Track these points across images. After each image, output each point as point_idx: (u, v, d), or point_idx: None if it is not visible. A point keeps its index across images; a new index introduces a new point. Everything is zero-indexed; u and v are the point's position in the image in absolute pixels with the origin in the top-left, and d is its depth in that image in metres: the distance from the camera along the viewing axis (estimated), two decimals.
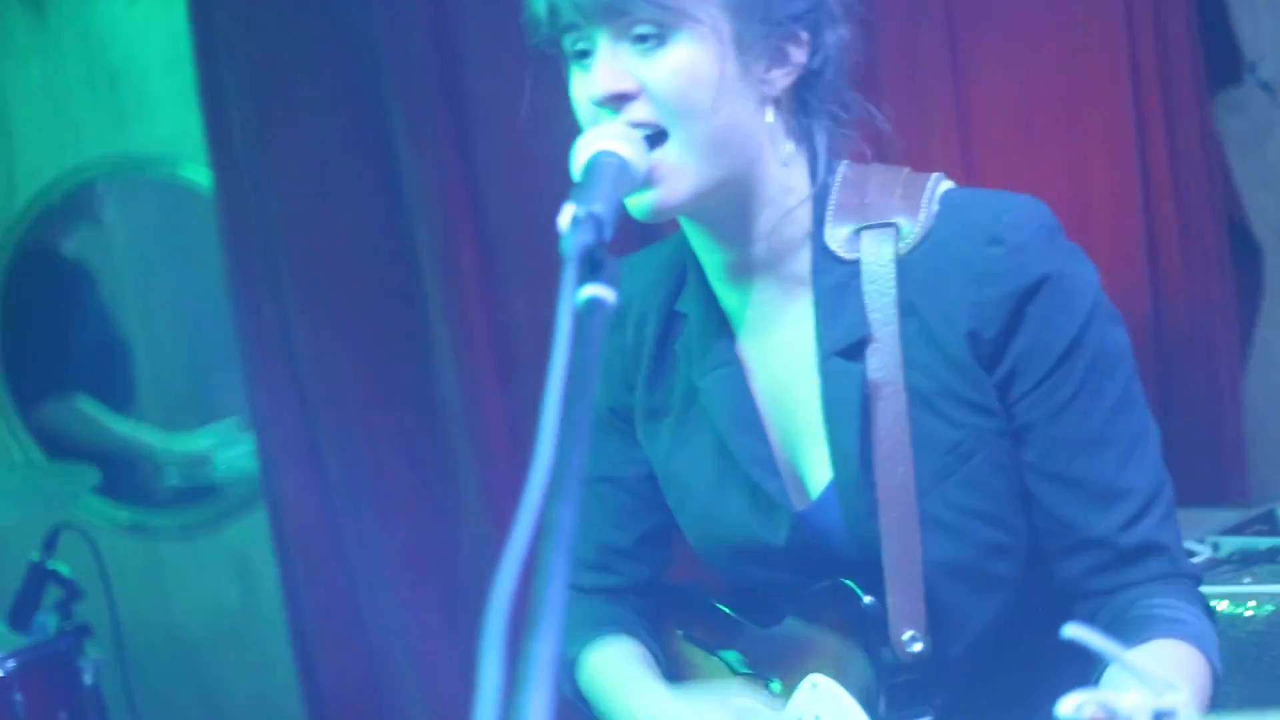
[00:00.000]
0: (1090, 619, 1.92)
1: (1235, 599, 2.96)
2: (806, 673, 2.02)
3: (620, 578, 2.30)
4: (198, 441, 4.94)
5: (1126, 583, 1.95)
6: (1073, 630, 1.54)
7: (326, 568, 4.17)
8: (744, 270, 2.04)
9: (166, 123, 4.70)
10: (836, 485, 2.00)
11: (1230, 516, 3.39)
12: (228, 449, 4.85)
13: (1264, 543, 3.18)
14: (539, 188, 3.84)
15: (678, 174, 1.90)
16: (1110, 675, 1.80)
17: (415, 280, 4.01)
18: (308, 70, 4.02)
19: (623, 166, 1.83)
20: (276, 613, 4.43)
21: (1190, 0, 3.90)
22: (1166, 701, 1.50)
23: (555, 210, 3.62)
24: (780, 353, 2.05)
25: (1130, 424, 1.96)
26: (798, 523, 2.03)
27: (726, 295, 2.08)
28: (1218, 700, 1.91)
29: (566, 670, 2.26)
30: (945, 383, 1.94)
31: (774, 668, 2.07)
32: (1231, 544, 3.21)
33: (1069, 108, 3.78)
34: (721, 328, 2.09)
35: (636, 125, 1.89)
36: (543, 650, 1.21)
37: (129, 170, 4.87)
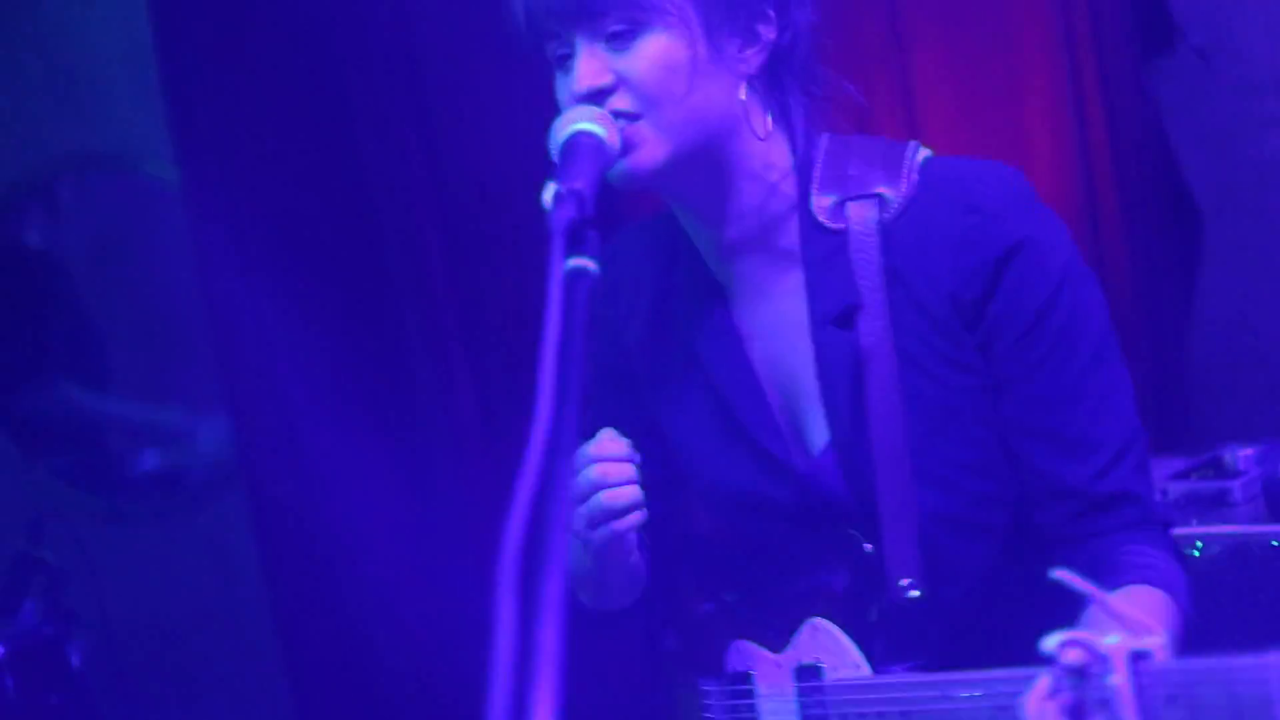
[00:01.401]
0: (1068, 564, 1.99)
1: (1182, 541, 3.09)
2: (809, 615, 2.13)
3: None
4: (177, 417, 5.02)
5: (1101, 529, 2.04)
6: (1059, 574, 1.66)
7: (307, 548, 4.24)
8: (735, 245, 2.14)
9: (127, 120, 4.74)
10: (834, 445, 2.10)
11: (1179, 463, 3.52)
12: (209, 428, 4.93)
13: (1210, 486, 3.29)
14: (502, 175, 3.97)
15: (652, 142, 2.01)
16: (1089, 618, 1.90)
17: (382, 265, 4.10)
18: (270, 64, 4.10)
19: (598, 144, 1.93)
20: (255, 595, 4.52)
21: None
22: (1144, 643, 1.61)
23: (519, 197, 3.75)
24: (775, 322, 2.15)
25: (1103, 379, 2.05)
26: (800, 479, 2.14)
27: (720, 269, 2.18)
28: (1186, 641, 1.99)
29: None
30: (932, 344, 2.04)
31: (779, 610, 2.17)
32: (1179, 489, 3.33)
33: (1008, 78, 3.91)
34: (716, 299, 2.19)
35: (616, 114, 1.99)
36: (553, 590, 1.33)
37: (91, 166, 4.92)
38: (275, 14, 4.09)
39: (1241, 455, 3.34)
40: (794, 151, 2.12)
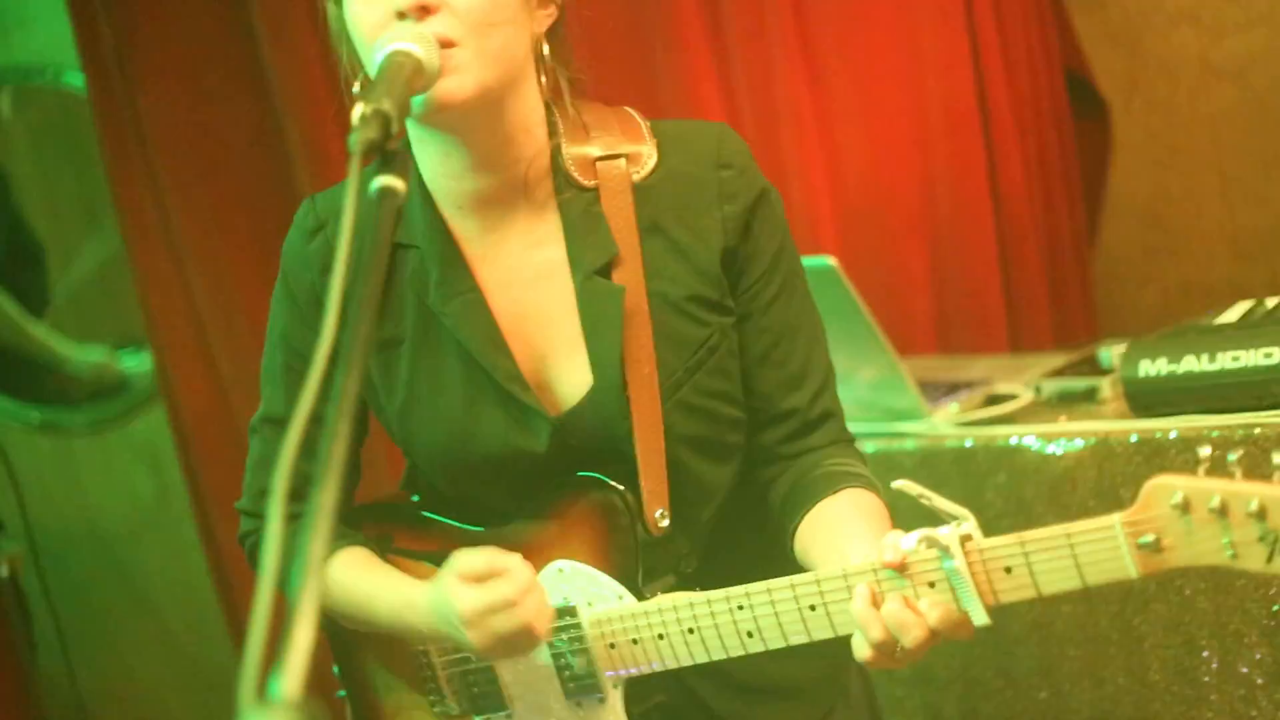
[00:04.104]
0: (789, 480, 2.25)
1: (1045, 437, 3.15)
2: (548, 562, 2.22)
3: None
4: (99, 352, 5.05)
5: (809, 447, 2.27)
6: (902, 484, 1.90)
7: (225, 456, 4.30)
8: (489, 197, 2.19)
9: (44, 33, 4.77)
10: (596, 390, 2.18)
11: (1056, 360, 3.56)
12: (133, 355, 4.95)
13: (1082, 384, 3.34)
14: None
15: (467, 70, 2.03)
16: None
17: (288, 171, 4.13)
18: None
19: (416, 65, 1.95)
20: (188, 501, 4.57)
21: None
22: (964, 530, 1.84)
23: None
24: (523, 275, 2.22)
25: (812, 316, 2.29)
26: (557, 428, 2.20)
27: (462, 224, 2.23)
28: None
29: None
30: (694, 290, 2.18)
31: (530, 556, 2.20)
32: (1052, 386, 3.38)
33: None
34: (456, 256, 2.23)
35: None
36: (325, 501, 1.40)
37: (16, 79, 4.94)
38: None
39: (1116, 352, 3.36)
40: (554, 112, 2.21)
